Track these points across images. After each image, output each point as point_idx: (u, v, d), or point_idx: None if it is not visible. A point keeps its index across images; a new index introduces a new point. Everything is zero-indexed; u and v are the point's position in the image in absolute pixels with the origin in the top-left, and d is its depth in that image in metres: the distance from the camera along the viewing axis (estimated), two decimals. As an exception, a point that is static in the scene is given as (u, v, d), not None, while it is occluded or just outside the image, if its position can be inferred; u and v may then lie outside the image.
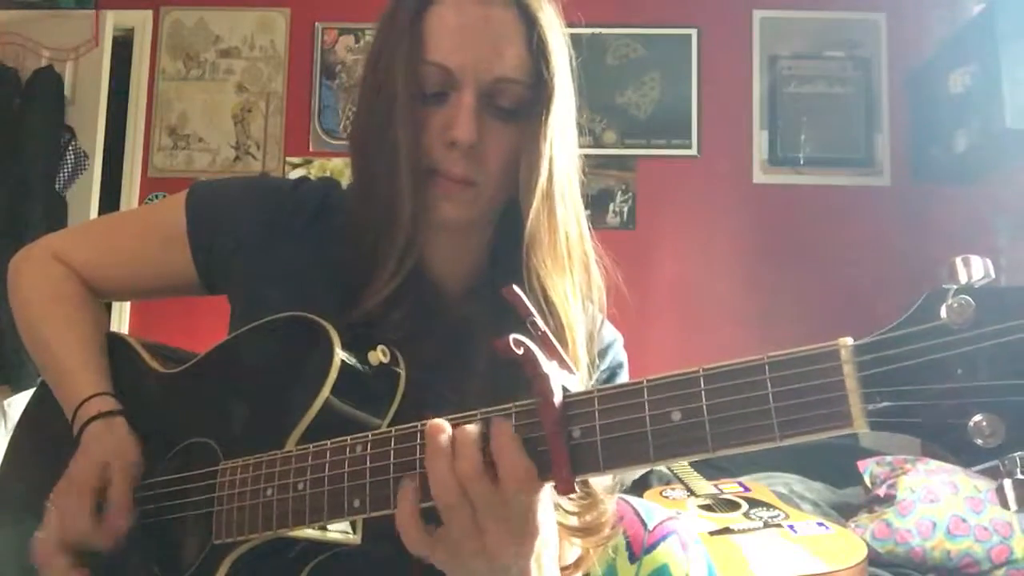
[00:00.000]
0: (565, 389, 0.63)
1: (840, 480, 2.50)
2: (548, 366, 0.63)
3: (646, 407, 0.60)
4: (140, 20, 3.58)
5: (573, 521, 0.80)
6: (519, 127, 0.87)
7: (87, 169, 3.41)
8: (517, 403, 0.65)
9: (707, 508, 2.10)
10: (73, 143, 3.39)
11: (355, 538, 0.77)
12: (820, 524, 2.02)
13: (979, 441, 0.50)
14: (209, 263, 0.99)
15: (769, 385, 0.56)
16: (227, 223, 0.98)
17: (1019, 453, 0.49)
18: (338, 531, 0.76)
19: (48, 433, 0.99)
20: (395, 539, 0.67)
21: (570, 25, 0.93)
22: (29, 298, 1.03)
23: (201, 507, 0.81)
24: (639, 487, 2.40)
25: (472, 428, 0.64)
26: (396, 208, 0.86)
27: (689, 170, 3.42)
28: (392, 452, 0.69)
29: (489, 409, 0.66)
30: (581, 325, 0.88)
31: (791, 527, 1.97)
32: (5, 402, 2.46)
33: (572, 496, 0.76)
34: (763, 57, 3.45)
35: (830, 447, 2.59)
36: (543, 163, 0.86)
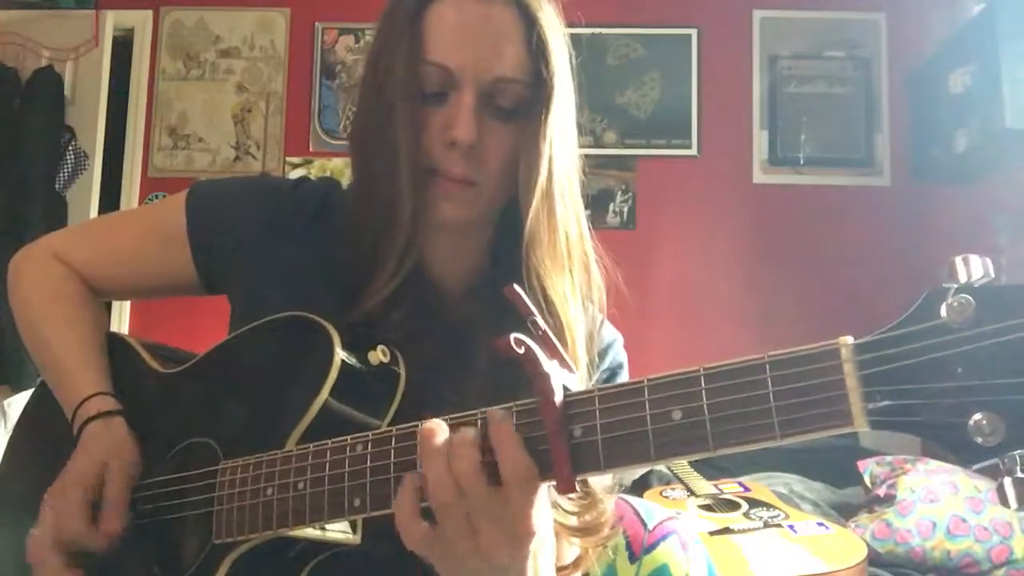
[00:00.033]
0: (566, 388, 0.63)
1: (840, 480, 2.50)
2: (549, 365, 0.63)
3: (647, 406, 0.60)
4: (140, 20, 3.58)
5: (572, 521, 0.80)
6: (519, 127, 0.87)
7: (87, 169, 3.41)
8: (518, 402, 0.65)
9: (707, 508, 2.10)
10: (73, 143, 3.39)
11: (355, 538, 0.77)
12: (820, 524, 2.02)
13: (979, 439, 0.50)
14: (209, 263, 0.99)
15: (770, 384, 0.56)
16: (227, 223, 0.98)
17: (1019, 451, 0.49)
18: (338, 531, 0.77)
19: (47, 433, 0.99)
20: (395, 539, 0.67)
21: (570, 25, 0.93)
22: (29, 297, 1.03)
23: (201, 507, 0.81)
24: (639, 487, 2.40)
25: (469, 429, 0.64)
26: (396, 208, 0.86)
27: (689, 170, 3.42)
28: (393, 451, 0.69)
29: (488, 408, 0.66)
30: (581, 325, 0.88)
31: (791, 527, 1.98)
32: (5, 402, 2.46)
33: (572, 496, 0.76)
34: (763, 57, 3.45)
35: (830, 447, 2.59)
36: (543, 162, 0.86)
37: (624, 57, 3.48)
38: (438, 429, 0.64)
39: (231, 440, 0.82)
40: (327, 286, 0.90)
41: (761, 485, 2.33)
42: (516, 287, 0.67)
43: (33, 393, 1.07)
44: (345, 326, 0.82)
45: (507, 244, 0.90)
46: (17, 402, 2.39)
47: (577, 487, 0.63)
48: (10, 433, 1.06)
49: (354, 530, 0.78)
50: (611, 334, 0.99)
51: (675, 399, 0.59)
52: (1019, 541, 2.12)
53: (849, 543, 1.94)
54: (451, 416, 0.67)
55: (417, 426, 0.68)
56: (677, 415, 0.59)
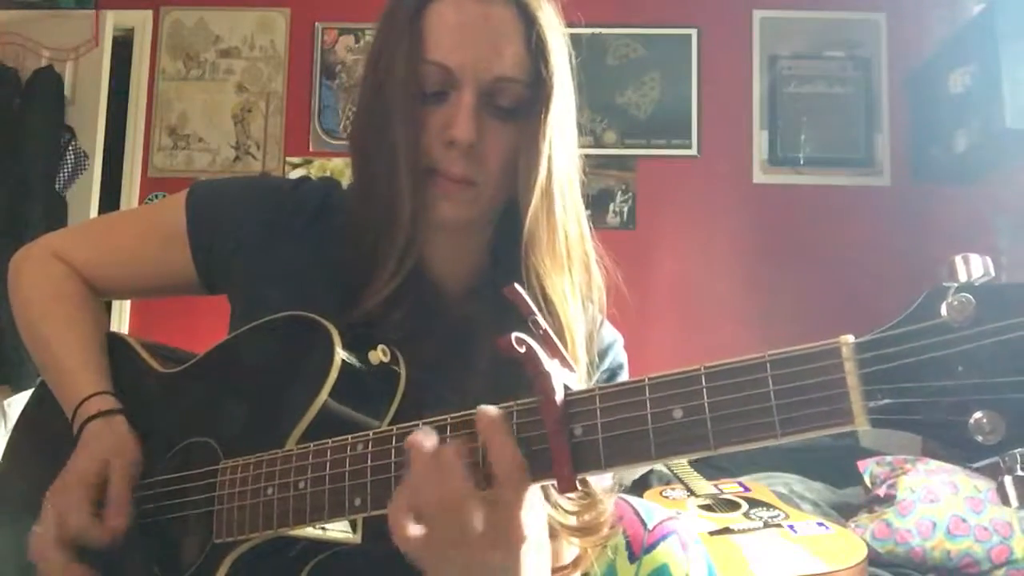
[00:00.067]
0: (567, 387, 0.63)
1: (840, 480, 2.50)
2: (550, 364, 0.63)
3: (647, 405, 0.60)
4: (140, 20, 3.58)
5: (572, 520, 0.80)
6: (518, 126, 0.87)
7: (87, 169, 3.41)
8: (518, 401, 0.65)
9: (707, 508, 2.10)
10: (73, 143, 3.39)
11: (355, 537, 0.77)
12: (820, 524, 2.02)
13: (979, 438, 0.50)
14: (209, 263, 0.99)
15: (770, 383, 0.56)
16: (227, 223, 0.98)
17: (1019, 450, 0.49)
18: (338, 530, 0.77)
19: (47, 433, 0.99)
20: (396, 538, 0.67)
21: (570, 25, 0.93)
22: (29, 297, 1.03)
23: (201, 506, 0.81)
24: (639, 487, 2.40)
25: (457, 439, 0.65)
26: (396, 208, 0.86)
27: (689, 170, 3.42)
28: (393, 451, 0.69)
29: (481, 406, 0.66)
30: (580, 324, 0.88)
31: (791, 527, 1.98)
32: (5, 402, 2.46)
33: (571, 495, 0.76)
34: (763, 57, 3.45)
35: (830, 447, 2.59)
36: (542, 162, 0.86)
37: (624, 57, 3.48)
38: (426, 440, 0.65)
39: (231, 440, 0.82)
40: (327, 286, 0.90)
41: (761, 485, 2.33)
42: (517, 287, 0.67)
43: (33, 393, 1.07)
44: (345, 326, 0.82)
45: (507, 244, 0.90)
46: (17, 402, 2.39)
47: (578, 486, 0.63)
48: (10, 433, 1.06)
49: (354, 529, 0.78)
50: (611, 335, 0.99)
51: (676, 398, 0.59)
52: (1019, 541, 2.13)
53: (849, 543, 1.94)
54: (452, 416, 0.67)
55: (419, 426, 0.68)
56: (678, 414, 0.59)
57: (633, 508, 0.93)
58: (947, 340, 0.51)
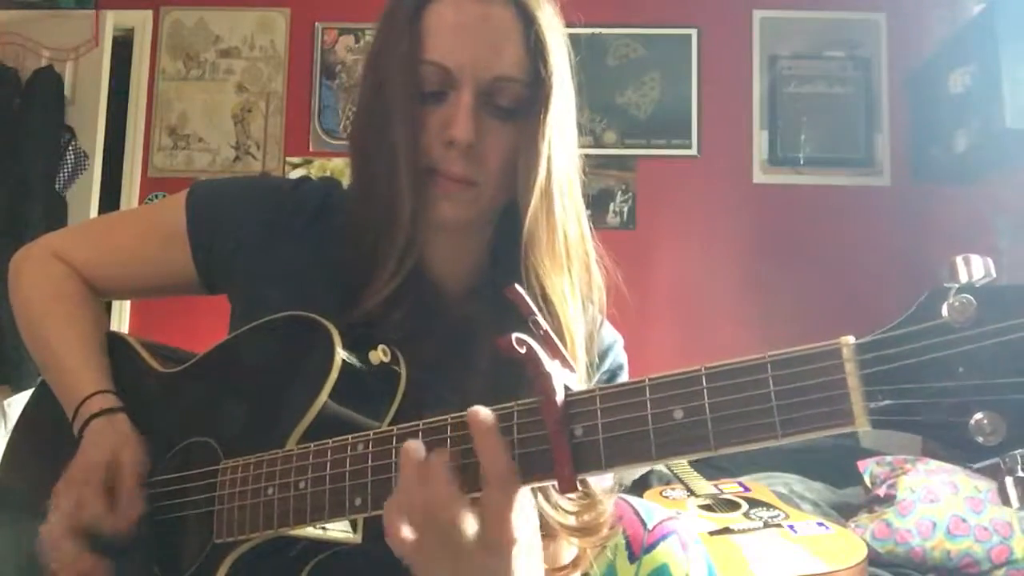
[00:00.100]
0: (567, 388, 0.63)
1: (840, 480, 2.51)
2: (550, 365, 0.63)
3: (648, 405, 0.60)
4: (140, 20, 3.58)
5: (571, 521, 0.80)
6: (518, 126, 0.87)
7: (87, 169, 3.41)
8: (519, 402, 0.65)
9: (707, 508, 2.10)
10: (73, 143, 3.39)
11: (356, 537, 0.77)
12: (820, 524, 2.02)
13: (980, 439, 0.50)
14: (209, 262, 0.99)
15: (771, 383, 0.56)
16: (227, 223, 0.98)
17: (1020, 451, 0.49)
18: (339, 530, 0.77)
19: (48, 433, 0.99)
20: (396, 539, 0.67)
21: (569, 25, 0.93)
22: (30, 297, 1.03)
23: (202, 506, 0.81)
24: (639, 487, 2.40)
25: (444, 450, 0.65)
26: (396, 207, 0.86)
27: (689, 170, 3.42)
28: (394, 451, 0.69)
29: (489, 408, 0.66)
30: (580, 325, 0.87)
31: (791, 527, 1.98)
32: (5, 402, 2.46)
33: (571, 496, 0.76)
34: (763, 57, 3.46)
35: (830, 447, 2.59)
36: (541, 162, 0.86)
37: (624, 57, 3.48)
38: (415, 448, 0.66)
39: (232, 440, 0.82)
40: (327, 286, 0.90)
41: (761, 485, 2.33)
42: (517, 287, 0.67)
43: (33, 393, 1.07)
44: (345, 326, 0.82)
45: (507, 244, 0.90)
46: (17, 402, 2.39)
47: (578, 486, 0.63)
48: (10, 433, 1.06)
49: (355, 529, 0.78)
50: (611, 335, 0.98)
51: (676, 398, 0.59)
52: (1019, 541, 2.13)
53: (849, 543, 1.94)
54: (452, 416, 0.67)
55: (419, 426, 0.69)
56: (678, 414, 0.59)
57: (633, 508, 0.93)
58: (948, 341, 0.51)
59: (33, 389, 1.08)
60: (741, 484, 2.30)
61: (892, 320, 0.54)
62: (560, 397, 0.62)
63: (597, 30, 3.42)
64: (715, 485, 2.25)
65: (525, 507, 0.66)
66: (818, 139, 3.40)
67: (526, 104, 0.87)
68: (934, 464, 2.29)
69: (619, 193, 3.40)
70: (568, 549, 0.84)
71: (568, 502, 0.79)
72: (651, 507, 0.95)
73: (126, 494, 0.84)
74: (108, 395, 0.92)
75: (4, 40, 3.42)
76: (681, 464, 2.33)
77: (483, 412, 0.64)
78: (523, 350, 0.62)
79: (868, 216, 3.30)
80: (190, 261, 0.99)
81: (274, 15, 3.56)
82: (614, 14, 3.42)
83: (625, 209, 3.39)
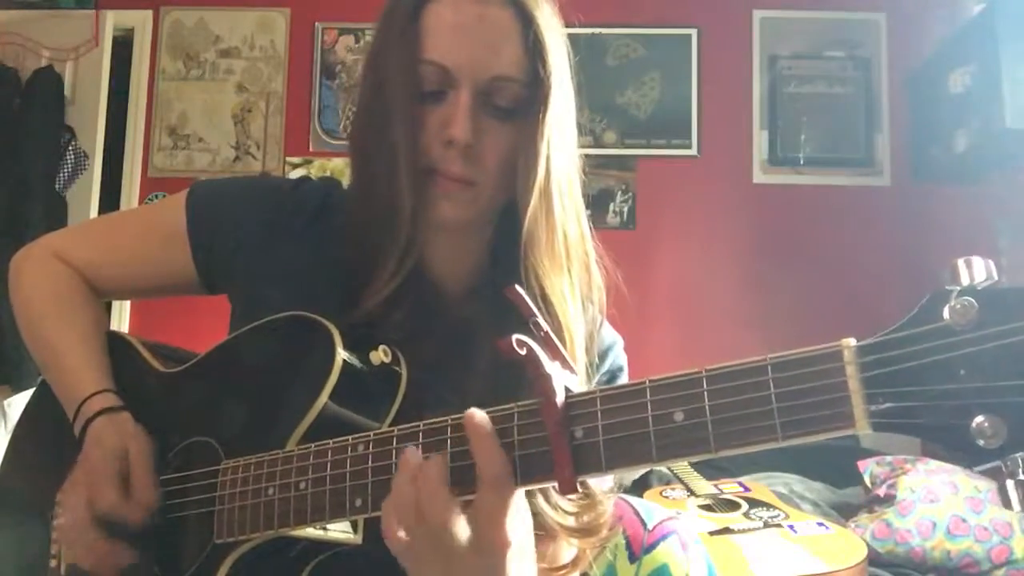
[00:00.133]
0: (568, 389, 0.63)
1: (840, 480, 2.50)
2: (551, 366, 0.63)
3: (648, 407, 0.60)
4: (140, 20, 3.58)
5: (571, 521, 0.80)
6: (517, 126, 0.87)
7: (87, 169, 3.41)
8: (519, 403, 0.65)
9: (707, 508, 2.10)
10: (73, 143, 3.39)
11: (356, 538, 0.77)
12: (820, 524, 2.02)
13: (981, 442, 0.50)
14: (209, 262, 0.99)
15: (772, 386, 0.56)
16: (227, 223, 0.98)
17: (1021, 454, 0.49)
18: (339, 531, 0.77)
19: (49, 433, 0.99)
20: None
21: (569, 25, 0.93)
22: (30, 296, 1.03)
23: (202, 506, 0.81)
24: (639, 487, 2.40)
25: (438, 457, 0.66)
26: (396, 207, 0.86)
27: (689, 170, 3.42)
28: (394, 452, 0.69)
29: (489, 409, 0.66)
30: (580, 325, 0.87)
31: (791, 527, 1.98)
32: (5, 402, 2.46)
33: (571, 497, 0.76)
34: (763, 57, 3.45)
35: (830, 447, 2.59)
36: (540, 162, 0.86)
37: (624, 57, 3.48)
38: (411, 458, 0.66)
39: (232, 440, 0.82)
40: (328, 286, 0.90)
41: (761, 485, 2.33)
42: (518, 288, 0.67)
43: (34, 393, 1.07)
44: (346, 326, 0.82)
45: (507, 244, 0.90)
46: (17, 402, 2.39)
47: (579, 488, 0.63)
48: (11, 433, 1.06)
49: (355, 530, 0.78)
50: (611, 336, 0.98)
51: (677, 400, 0.59)
52: (1019, 541, 2.13)
53: (849, 543, 1.94)
54: (452, 417, 0.67)
55: (419, 427, 0.69)
56: (679, 416, 0.59)
57: (633, 508, 0.93)
58: (949, 343, 0.51)
59: (34, 389, 1.08)
60: (741, 484, 2.30)
61: (891, 318, 0.54)
62: (560, 399, 0.62)
63: (597, 30, 3.41)
64: (715, 485, 2.25)
65: (520, 510, 0.66)
66: (818, 139, 3.40)
67: (525, 104, 0.87)
68: (934, 464, 2.29)
69: (619, 193, 3.40)
70: (567, 549, 0.84)
71: (568, 503, 0.79)
72: (651, 507, 0.95)
73: (140, 483, 0.84)
74: (109, 394, 0.92)
75: (4, 40, 3.42)
76: (681, 464, 2.33)
77: (479, 415, 0.65)
78: (523, 351, 0.62)
79: (868, 216, 3.30)
80: (190, 261, 0.99)
81: (274, 15, 3.56)
82: (614, 14, 3.42)
83: (625, 209, 3.39)
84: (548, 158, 0.87)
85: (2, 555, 0.96)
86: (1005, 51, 2.60)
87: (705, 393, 0.58)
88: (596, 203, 3.33)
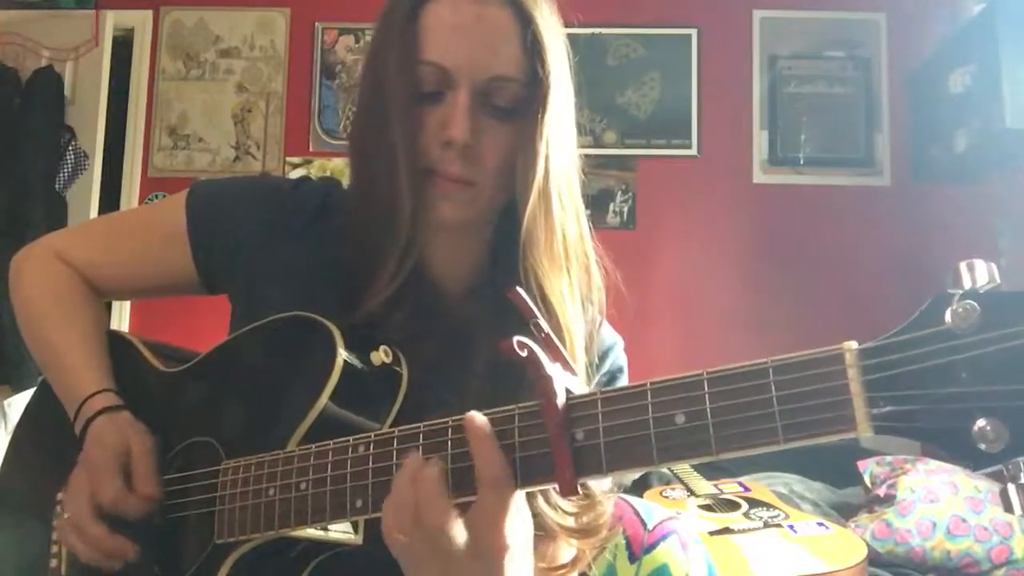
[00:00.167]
0: (568, 391, 0.63)
1: (840, 480, 2.50)
2: (551, 368, 0.63)
3: (649, 409, 0.60)
4: (140, 20, 3.57)
5: (570, 522, 0.80)
6: (516, 126, 0.87)
7: (87, 169, 3.41)
8: (520, 404, 0.65)
9: (707, 508, 2.10)
10: (73, 143, 3.39)
11: (357, 538, 0.77)
12: (820, 524, 2.02)
13: (983, 446, 0.50)
14: (209, 262, 0.99)
15: (773, 388, 0.56)
16: (227, 223, 0.98)
17: (1022, 458, 0.49)
18: (340, 531, 0.77)
19: (50, 432, 0.99)
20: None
21: (569, 25, 0.93)
22: (31, 296, 1.03)
23: (203, 506, 0.81)
24: (639, 487, 2.40)
25: (437, 461, 0.66)
26: (396, 208, 0.86)
27: (689, 170, 3.42)
28: (395, 452, 0.69)
29: (490, 411, 0.66)
30: (579, 325, 0.87)
31: (791, 527, 1.97)
32: (5, 402, 2.46)
33: (572, 498, 0.76)
34: (763, 57, 3.45)
35: (830, 447, 2.58)
36: (539, 162, 0.86)
37: (624, 57, 3.48)
38: (413, 459, 0.67)
39: (233, 440, 0.82)
40: (328, 286, 0.90)
41: (761, 485, 2.33)
42: (519, 289, 0.67)
43: (34, 393, 1.07)
44: (347, 326, 0.82)
45: (506, 244, 0.90)
46: (17, 402, 2.39)
47: (579, 490, 0.63)
48: (11, 433, 1.06)
49: (356, 530, 0.78)
50: (611, 337, 0.98)
51: (678, 403, 0.59)
52: (1019, 541, 2.13)
53: (849, 543, 1.94)
54: (452, 418, 0.67)
55: (420, 427, 0.69)
56: (680, 419, 0.59)
57: (633, 508, 0.93)
58: (951, 347, 0.51)
59: (34, 389, 1.08)
60: (741, 484, 2.30)
61: (890, 318, 0.54)
62: (561, 400, 0.62)
63: (597, 30, 3.41)
64: (715, 485, 2.25)
65: (520, 512, 0.66)
66: (818, 139, 3.40)
67: (524, 104, 0.87)
68: (934, 464, 2.29)
69: (619, 193, 3.40)
70: (567, 549, 0.84)
71: (568, 503, 0.79)
72: (651, 507, 0.95)
73: (142, 476, 0.84)
74: (109, 394, 0.92)
75: (4, 40, 3.42)
76: (682, 464, 2.33)
77: (479, 418, 0.65)
78: (524, 353, 0.62)
79: (868, 216, 3.30)
80: (190, 261, 0.99)
81: (274, 15, 3.56)
82: (614, 14, 3.42)
83: (625, 209, 3.39)
84: (547, 158, 0.87)
85: (2, 555, 0.96)
86: (1005, 51, 2.61)
87: (706, 395, 0.58)
88: (596, 203, 3.33)
